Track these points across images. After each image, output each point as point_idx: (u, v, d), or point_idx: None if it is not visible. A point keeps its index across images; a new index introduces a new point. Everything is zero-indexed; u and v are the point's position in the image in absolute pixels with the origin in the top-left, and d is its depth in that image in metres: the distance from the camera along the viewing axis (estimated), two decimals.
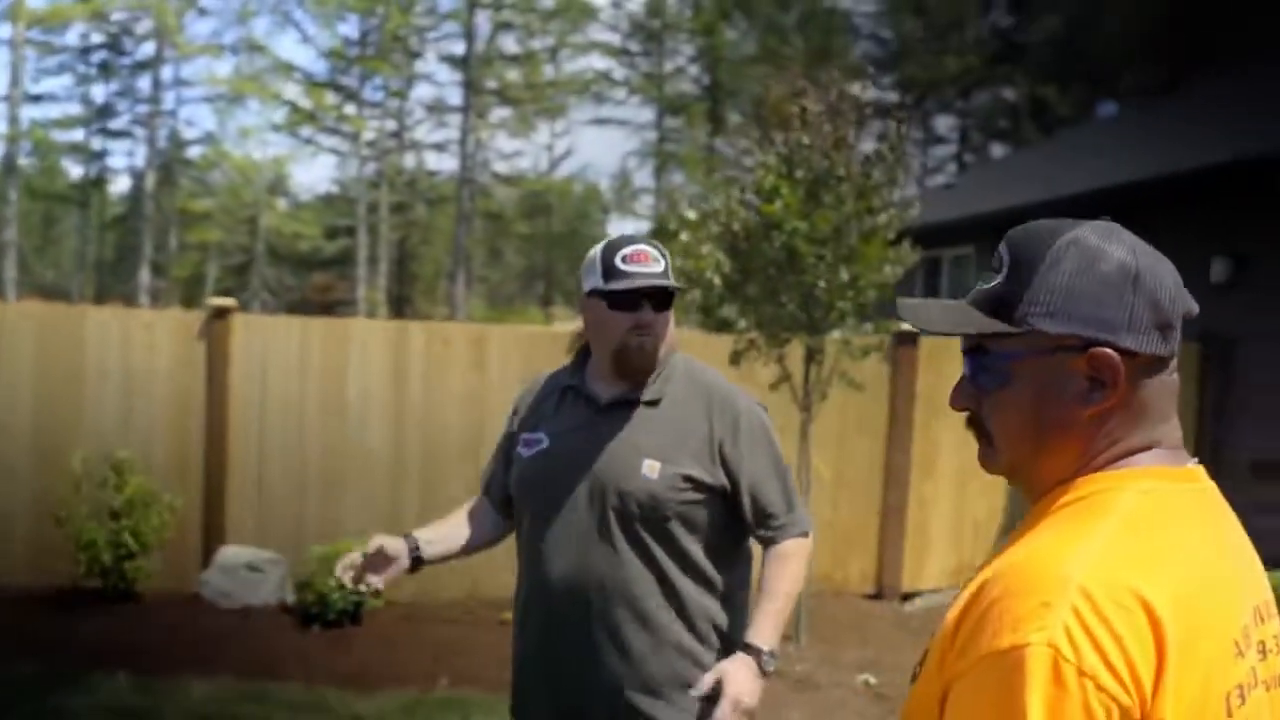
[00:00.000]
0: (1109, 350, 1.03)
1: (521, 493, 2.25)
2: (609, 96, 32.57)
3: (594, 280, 2.16)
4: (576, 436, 2.18)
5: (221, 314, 6.03)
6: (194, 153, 30.86)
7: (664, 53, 32.79)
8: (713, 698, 2.02)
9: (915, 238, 5.74)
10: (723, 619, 2.17)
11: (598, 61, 49.97)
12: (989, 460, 1.15)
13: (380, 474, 6.17)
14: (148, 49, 28.49)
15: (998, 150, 28.05)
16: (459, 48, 28.93)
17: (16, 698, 4.41)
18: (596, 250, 2.20)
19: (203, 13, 40.65)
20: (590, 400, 2.21)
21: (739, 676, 2.01)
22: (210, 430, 5.98)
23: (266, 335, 6.13)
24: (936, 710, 1.01)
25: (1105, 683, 0.90)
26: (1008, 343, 1.08)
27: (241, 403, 6.02)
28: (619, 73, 32.48)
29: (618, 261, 2.13)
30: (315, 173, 68.08)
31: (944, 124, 30.05)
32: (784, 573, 2.15)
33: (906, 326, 6.62)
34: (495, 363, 6.28)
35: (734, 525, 2.19)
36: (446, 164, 43.50)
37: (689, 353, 2.31)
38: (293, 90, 28.98)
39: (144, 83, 29.15)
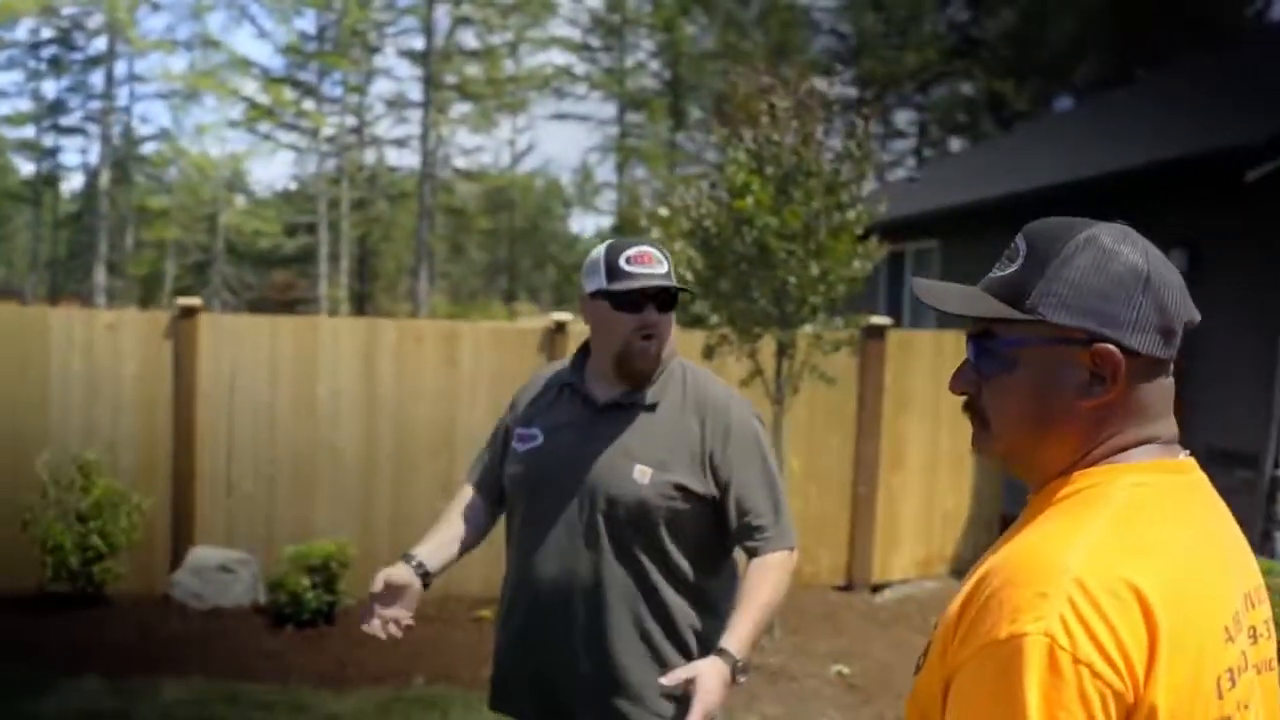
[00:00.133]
0: (1112, 347, 1.07)
1: (513, 488, 2.26)
2: (570, 92, 32.54)
3: (597, 281, 2.15)
4: (571, 436, 2.18)
5: (188, 314, 5.96)
6: (149, 149, 30.43)
7: (624, 48, 32.79)
8: (681, 698, 1.98)
9: (881, 232, 5.82)
10: (706, 627, 2.17)
11: (558, 56, 49.81)
12: (984, 445, 1.18)
13: (351, 472, 6.14)
14: (100, 44, 28.01)
15: (956, 144, 28.37)
16: (418, 43, 28.80)
17: None
18: (599, 251, 2.19)
19: (156, 7, 40.04)
20: (588, 400, 2.21)
21: (710, 684, 1.93)
22: (178, 431, 5.92)
23: (234, 335, 6.08)
24: (940, 698, 1.04)
25: (1100, 669, 0.94)
26: (1015, 329, 1.11)
27: (209, 403, 5.97)
28: (580, 68, 32.46)
29: (622, 262, 2.12)
30: (274, 169, 67.36)
31: (903, 118, 30.33)
32: (765, 583, 2.11)
33: (876, 320, 6.70)
34: (467, 359, 6.26)
35: (722, 535, 2.18)
36: (407, 160, 43.24)
37: None
38: (250, 86, 28.63)
39: (96, 78, 28.70)
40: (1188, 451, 1.15)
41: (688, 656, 2.14)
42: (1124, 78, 20.24)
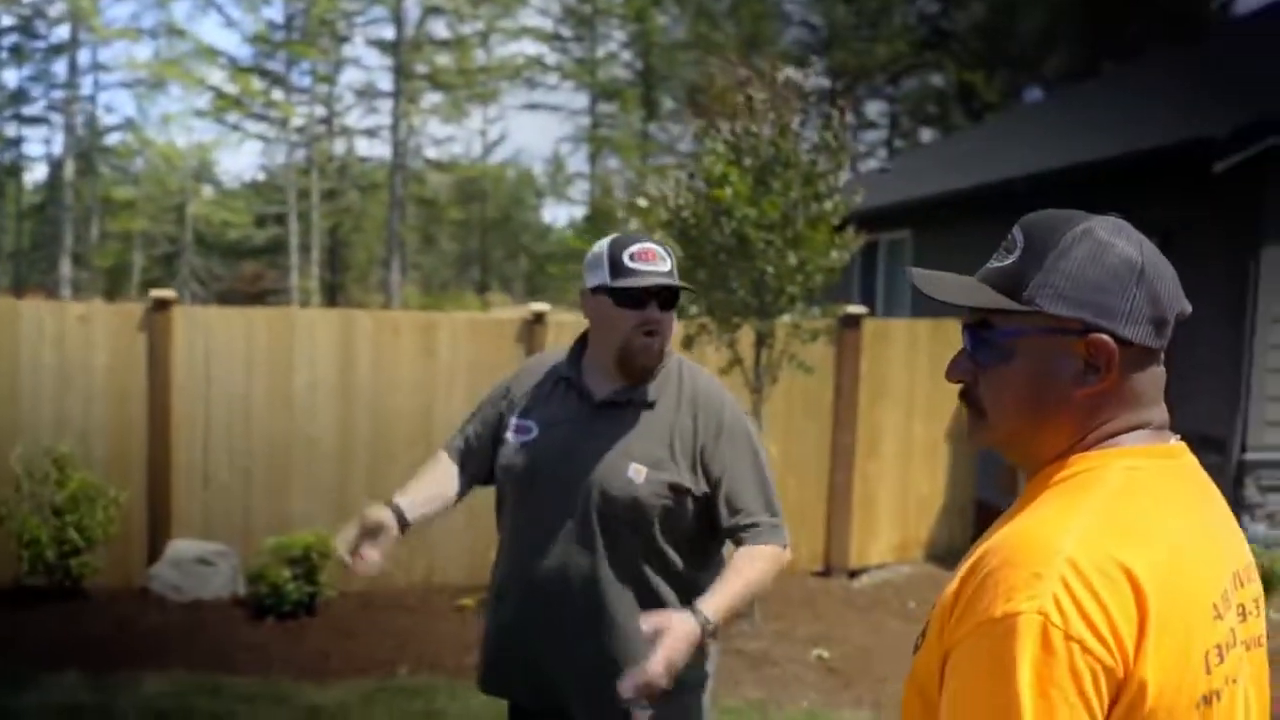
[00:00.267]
0: (1106, 337, 1.10)
1: (507, 480, 2.25)
2: (541, 82, 32.42)
3: (600, 277, 2.14)
4: (566, 432, 2.18)
5: (162, 305, 5.91)
6: (114, 139, 29.98)
7: (596, 38, 32.70)
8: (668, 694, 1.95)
9: (854, 223, 5.87)
10: None
11: (529, 47, 49.57)
12: (980, 433, 1.21)
13: (328, 463, 6.12)
14: (62, 32, 27.55)
15: (927, 135, 28.56)
16: (388, 32, 28.57)
17: None
18: (603, 246, 2.18)
19: None
20: (584, 395, 2.20)
21: (678, 633, 1.90)
22: (153, 423, 5.87)
23: (209, 326, 6.03)
24: (937, 675, 1.08)
25: (1091, 646, 0.98)
26: (1012, 320, 1.14)
27: (184, 395, 5.93)
28: (551, 58, 32.33)
29: (625, 259, 2.11)
30: (243, 160, 66.57)
31: (874, 110, 30.48)
32: (752, 567, 2.09)
33: (852, 309, 6.76)
34: (444, 350, 6.26)
35: (714, 530, 2.18)
36: (378, 150, 42.84)
37: None
38: (217, 75, 28.29)
39: (60, 67, 28.23)
40: (1178, 436, 1.19)
41: None
42: (1092, 70, 20.46)
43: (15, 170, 30.89)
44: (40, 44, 27.99)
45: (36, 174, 33.75)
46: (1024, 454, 1.19)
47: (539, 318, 6.31)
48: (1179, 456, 1.17)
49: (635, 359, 2.14)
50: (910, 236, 10.12)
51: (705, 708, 2.24)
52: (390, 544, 2.14)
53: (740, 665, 4.96)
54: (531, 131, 63.99)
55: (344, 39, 29.43)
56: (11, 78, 29.04)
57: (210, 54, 27.70)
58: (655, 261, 2.12)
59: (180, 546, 5.76)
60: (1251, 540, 4.45)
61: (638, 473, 2.10)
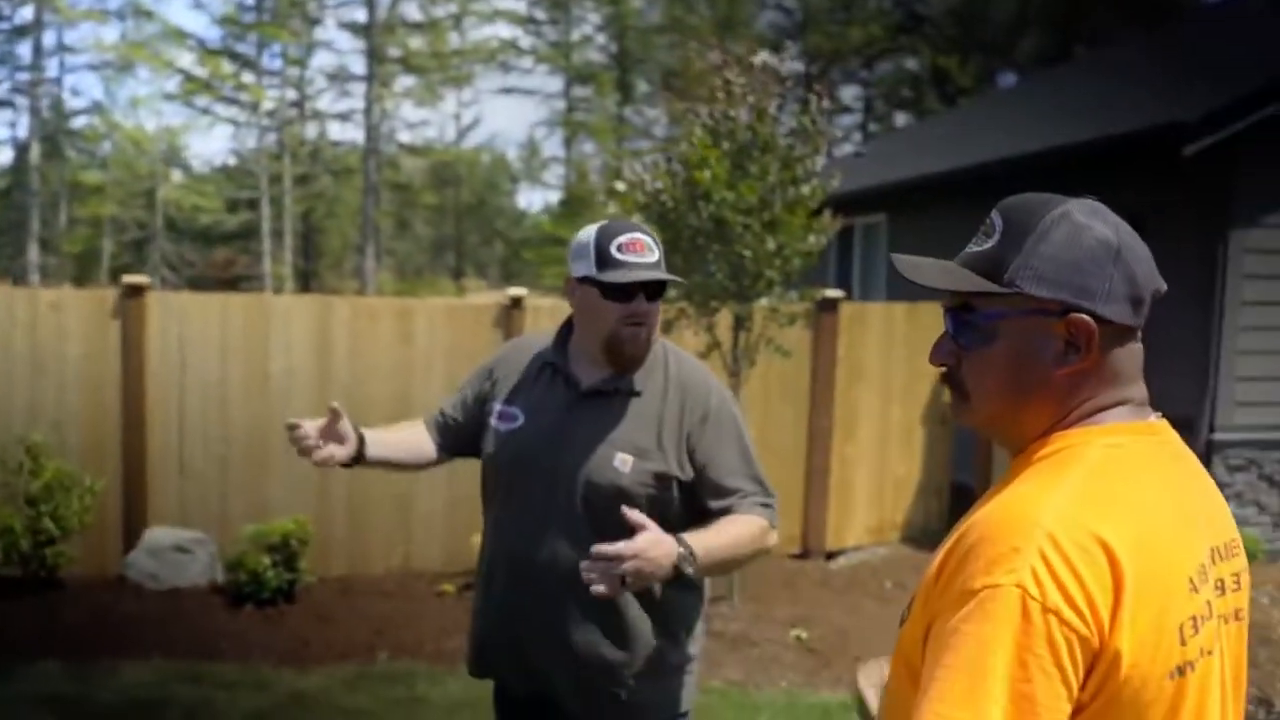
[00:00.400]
0: (1085, 317, 1.13)
1: (493, 469, 2.24)
2: (516, 65, 32.26)
3: (586, 267, 2.11)
4: (552, 420, 2.16)
5: (135, 292, 5.86)
6: (81, 123, 29.53)
7: (570, 21, 32.54)
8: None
9: (830, 207, 5.89)
10: (683, 604, 2.19)
11: (503, 30, 49.27)
12: (964, 415, 1.23)
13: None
14: (26, 13, 27.05)
15: (902, 119, 28.65)
16: (360, 14, 28.33)
17: None
18: (589, 234, 2.14)
19: None
20: (571, 383, 2.18)
21: (656, 541, 1.90)
22: (127, 411, 5.83)
23: (184, 313, 5.98)
24: (921, 645, 1.10)
25: (1067, 617, 1.01)
26: (994, 303, 1.16)
27: (160, 383, 5.88)
28: (525, 41, 32.16)
29: (613, 250, 2.09)
30: (214, 144, 65.70)
31: (849, 94, 30.52)
32: (738, 525, 2.09)
33: (829, 293, 6.79)
34: (422, 336, 6.24)
35: (702, 517, 2.16)
36: (351, 134, 42.47)
37: None
38: (186, 58, 27.95)
39: (24, 49, 27.70)
40: (1159, 414, 1.21)
41: (667, 631, 2.17)
42: (1064, 55, 20.58)
43: None
44: (3, 25, 27.50)
45: (1, 158, 33.24)
46: (1007, 434, 1.21)
47: (516, 303, 6.30)
48: (1160, 433, 1.19)
49: (622, 348, 2.13)
50: (886, 220, 10.18)
51: (690, 689, 2.26)
52: (345, 455, 2.11)
53: (720, 647, 5.00)
54: (506, 116, 63.71)
55: (315, 21, 29.14)
56: None
57: (179, 36, 27.38)
58: (643, 253, 2.10)
59: (157, 535, 5.73)
60: None
61: (624, 462, 2.09)
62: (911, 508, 7.19)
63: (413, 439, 2.33)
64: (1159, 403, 1.22)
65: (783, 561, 6.51)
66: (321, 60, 61.78)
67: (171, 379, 5.90)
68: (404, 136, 31.45)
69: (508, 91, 42.51)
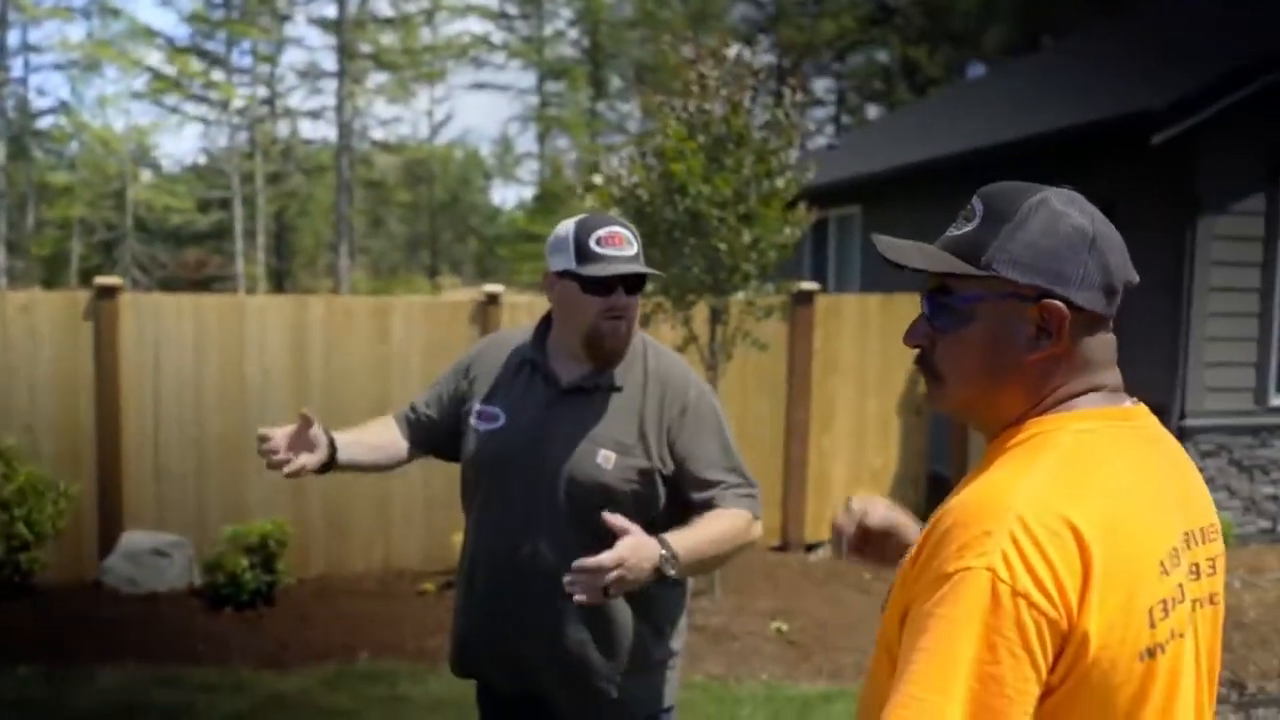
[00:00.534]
0: (1058, 303, 1.15)
1: (475, 469, 2.22)
2: (488, 61, 32.22)
3: (565, 261, 2.10)
4: (534, 418, 2.15)
5: (108, 293, 5.80)
6: (48, 123, 29.16)
7: (543, 15, 32.44)
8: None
9: (805, 199, 5.92)
10: (669, 600, 2.19)
11: (475, 25, 49.04)
12: (937, 398, 1.25)
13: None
14: None
15: (873, 111, 28.76)
16: (330, 10, 28.08)
17: None
18: (568, 228, 2.13)
19: None
20: (551, 380, 2.17)
21: (639, 545, 1.89)
22: (101, 414, 5.77)
23: (157, 314, 5.93)
24: (898, 628, 1.12)
25: (1036, 600, 1.02)
26: (970, 286, 1.18)
27: (134, 385, 5.83)
28: (498, 36, 32.08)
29: (592, 244, 2.08)
30: (184, 143, 64.94)
31: (821, 86, 30.60)
32: (721, 521, 2.09)
33: (805, 286, 6.82)
34: (398, 334, 6.22)
35: (687, 513, 2.16)
36: (323, 132, 42.18)
37: None
38: (154, 56, 27.64)
39: None
40: (1135, 399, 1.23)
41: (652, 626, 2.17)
42: (1032, 45, 20.69)
43: None
44: None
45: None
46: (980, 418, 1.23)
47: (493, 299, 6.29)
48: (1136, 419, 1.21)
49: (603, 342, 2.12)
50: (860, 212, 10.23)
51: (674, 684, 2.27)
52: (314, 464, 2.08)
53: (701, 640, 5.02)
54: (479, 111, 63.32)
55: (285, 18, 28.91)
56: None
57: (146, 34, 27.10)
58: (622, 246, 2.09)
59: (133, 538, 5.68)
60: None
61: (606, 459, 2.09)
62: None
63: (384, 439, 2.31)
64: (1130, 390, 1.24)
65: (763, 554, 6.54)
66: (292, 57, 61.32)
67: (146, 381, 5.86)
68: (377, 133, 31.30)
69: (480, 87, 42.40)
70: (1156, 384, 6.57)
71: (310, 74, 29.83)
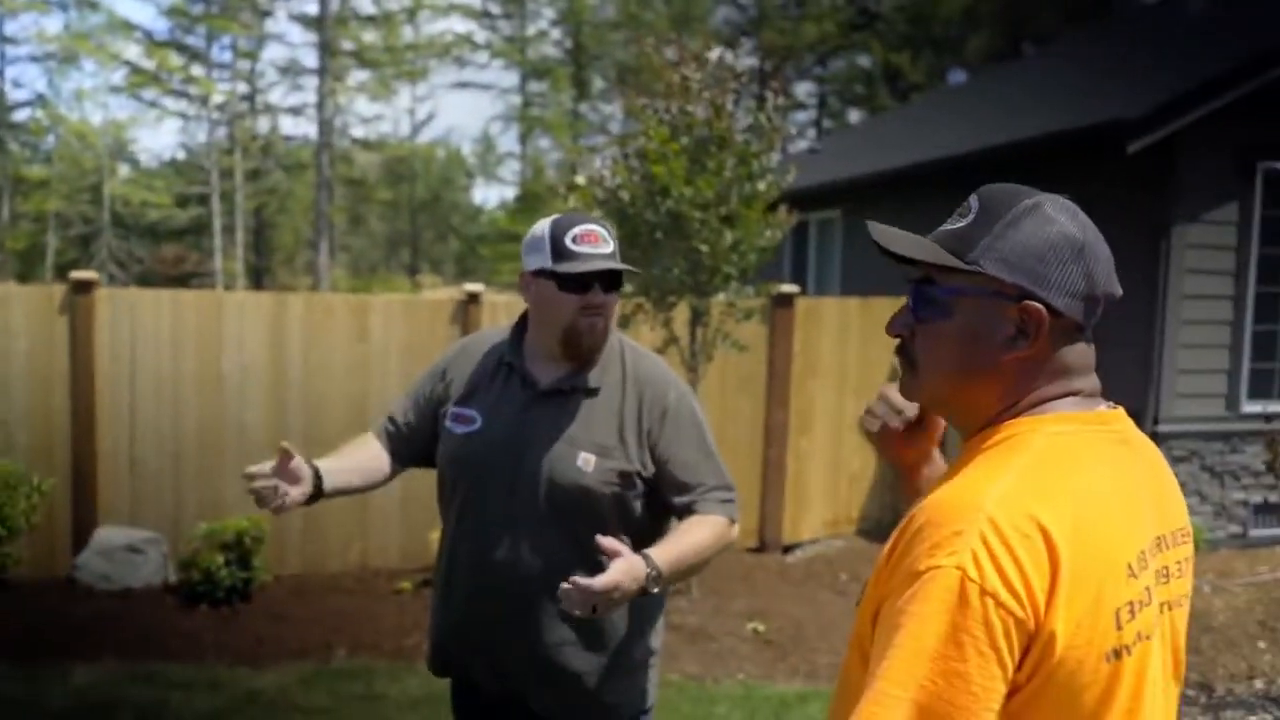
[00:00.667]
0: (1039, 305, 1.16)
1: (452, 472, 2.20)
2: (470, 60, 32.12)
3: (541, 260, 2.10)
4: (512, 421, 2.14)
5: (83, 288, 5.76)
6: (24, 116, 28.84)
7: (526, 15, 32.39)
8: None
9: (786, 202, 5.95)
10: (650, 603, 2.19)
11: (458, 24, 48.88)
12: (911, 388, 1.27)
13: (260, 448, 6.02)
14: None
15: (855, 116, 28.89)
16: (312, 7, 27.95)
17: None
18: (543, 228, 2.13)
19: None
20: (528, 382, 2.16)
21: (629, 570, 1.90)
22: (76, 409, 5.73)
23: (134, 309, 5.89)
24: (871, 626, 1.14)
25: (1004, 600, 1.04)
26: (955, 279, 1.20)
27: (109, 380, 5.79)
28: (480, 35, 32.01)
29: (568, 242, 2.07)
30: (162, 138, 64.38)
31: (803, 90, 30.71)
32: (700, 530, 2.10)
33: (785, 288, 6.86)
34: (378, 332, 6.21)
35: (666, 513, 2.18)
36: (303, 129, 41.92)
37: None
38: (132, 50, 27.38)
39: None
40: (1113, 403, 1.25)
41: (633, 627, 2.18)
42: (1013, 52, 20.89)
43: None
44: None
45: None
46: (953, 413, 1.25)
47: (473, 298, 6.29)
48: (1111, 422, 1.23)
49: (580, 341, 2.11)
50: (840, 216, 10.28)
51: (654, 683, 2.28)
52: (300, 499, 2.04)
53: (678, 640, 5.04)
54: (461, 110, 63.07)
55: (266, 13, 28.71)
56: None
57: (125, 27, 26.84)
58: (598, 244, 2.09)
59: (107, 535, 5.64)
60: None
61: (586, 462, 2.08)
62: (866, 501, 7.28)
63: (366, 460, 2.26)
64: (1105, 396, 1.26)
65: (740, 555, 6.57)
66: (273, 53, 60.89)
67: (122, 376, 5.82)
68: (357, 131, 31.23)
69: (463, 86, 42.30)
70: (1131, 390, 6.64)
71: (291, 70, 29.70)
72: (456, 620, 2.22)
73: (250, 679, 4.58)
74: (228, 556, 5.32)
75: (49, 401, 5.71)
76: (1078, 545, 1.08)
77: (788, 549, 6.85)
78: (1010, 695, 1.06)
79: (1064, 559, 1.06)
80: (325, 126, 27.25)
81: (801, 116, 30.92)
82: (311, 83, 27.96)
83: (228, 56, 28.74)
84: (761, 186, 5.48)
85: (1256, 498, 6.93)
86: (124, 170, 29.30)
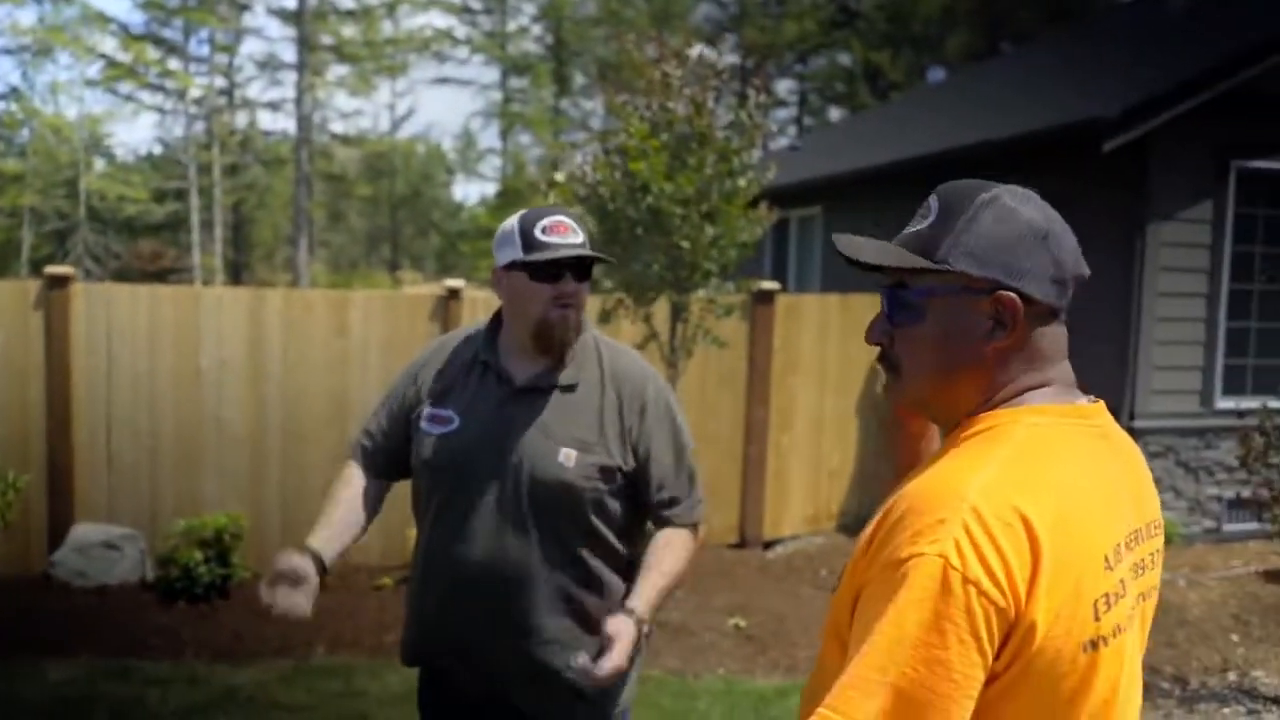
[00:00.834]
0: (1012, 294, 1.18)
1: (429, 473, 2.19)
2: (451, 55, 31.95)
3: (512, 253, 2.10)
4: (489, 420, 2.13)
5: (59, 283, 5.71)
6: None
7: (506, 11, 32.30)
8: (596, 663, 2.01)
9: (766, 199, 5.96)
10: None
11: (438, 19, 48.68)
12: (897, 392, 1.28)
13: (239, 444, 6.00)
14: None
15: (835, 114, 28.99)
16: (290, 0, 27.70)
17: None
18: (513, 222, 2.13)
19: None
20: (504, 379, 2.15)
21: (625, 646, 1.97)
22: (52, 405, 5.68)
23: (111, 304, 5.84)
24: (849, 610, 1.15)
25: (986, 588, 1.05)
26: (926, 280, 1.21)
27: (86, 376, 5.74)
28: (461, 31, 31.89)
29: (537, 233, 2.08)
30: (139, 132, 63.75)
31: (783, 88, 30.77)
32: (670, 554, 2.14)
33: (765, 285, 6.88)
34: (358, 328, 6.18)
35: (645, 511, 2.20)
36: (282, 123, 41.63)
37: None
38: (108, 43, 27.12)
39: None
40: (1092, 396, 1.27)
41: None
42: (992, 51, 21.01)
43: None
44: None
45: None
46: (938, 410, 1.26)
47: (454, 294, 6.27)
48: (1090, 416, 1.24)
49: (552, 333, 2.11)
50: (821, 213, 10.31)
51: (631, 681, 2.28)
52: (313, 592, 2.04)
53: (659, 636, 5.04)
54: (441, 106, 62.81)
55: (244, 7, 28.49)
56: None
57: (100, 20, 26.52)
58: (567, 234, 2.09)
59: (84, 531, 5.60)
60: None
61: (568, 457, 2.08)
62: (846, 497, 7.32)
63: (352, 508, 2.24)
64: (1082, 392, 1.27)
65: (721, 551, 6.58)
66: (251, 47, 60.50)
67: (98, 371, 5.77)
68: (337, 126, 31.15)
69: (443, 82, 42.01)
70: (1106, 386, 6.70)
71: (269, 65, 29.47)
72: (434, 623, 2.21)
73: (229, 676, 4.56)
74: (206, 553, 5.29)
75: (24, 397, 5.66)
76: (1058, 536, 1.09)
77: (768, 545, 6.87)
78: (988, 683, 1.07)
79: (1045, 549, 1.07)
80: (304, 121, 27.08)
81: (782, 114, 31.00)
82: (290, 77, 27.78)
83: (205, 50, 28.52)
84: (742, 183, 5.50)
85: (1230, 493, 7.01)
86: (100, 165, 28.99)
